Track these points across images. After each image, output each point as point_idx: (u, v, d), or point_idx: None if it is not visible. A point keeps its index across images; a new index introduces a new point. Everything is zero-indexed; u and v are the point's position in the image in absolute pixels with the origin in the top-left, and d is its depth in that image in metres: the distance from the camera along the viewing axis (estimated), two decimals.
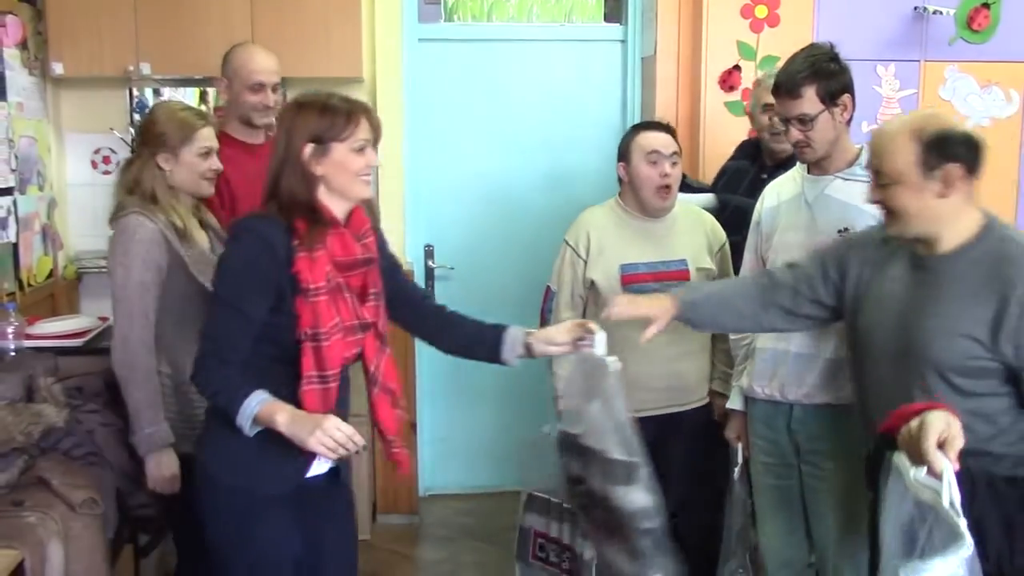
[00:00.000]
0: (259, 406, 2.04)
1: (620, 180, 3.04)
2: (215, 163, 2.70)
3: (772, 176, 2.95)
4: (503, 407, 4.55)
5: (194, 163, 2.65)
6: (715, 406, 3.02)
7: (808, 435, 2.60)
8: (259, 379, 2.10)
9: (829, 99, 2.51)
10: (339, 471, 2.32)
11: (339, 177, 2.13)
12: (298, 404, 2.08)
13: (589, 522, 2.44)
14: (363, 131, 2.16)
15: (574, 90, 4.52)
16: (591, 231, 3.01)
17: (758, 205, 2.78)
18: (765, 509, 2.73)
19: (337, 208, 2.16)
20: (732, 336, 2.82)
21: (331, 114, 2.12)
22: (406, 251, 4.39)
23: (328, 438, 2.01)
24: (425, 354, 4.48)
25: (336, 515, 2.36)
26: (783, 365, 2.59)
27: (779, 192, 2.73)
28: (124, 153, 4.01)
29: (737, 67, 4.05)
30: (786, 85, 2.53)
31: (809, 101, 2.50)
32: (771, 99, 2.87)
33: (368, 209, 2.29)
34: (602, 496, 2.26)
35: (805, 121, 2.52)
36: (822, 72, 2.51)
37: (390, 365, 2.29)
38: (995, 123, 4.16)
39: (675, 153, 2.96)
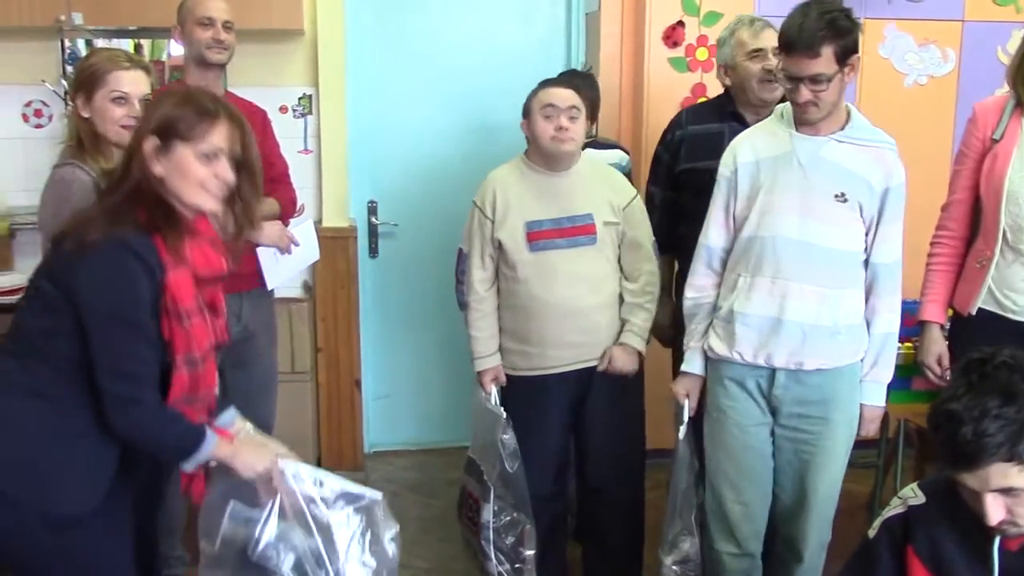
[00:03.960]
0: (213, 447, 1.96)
1: (527, 138, 3.02)
2: (134, 110, 2.52)
3: None
4: (446, 364, 4.54)
5: (105, 108, 2.50)
6: (614, 358, 2.93)
7: (791, 399, 2.55)
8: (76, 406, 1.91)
9: (843, 59, 2.39)
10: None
11: (177, 182, 1.94)
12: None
13: None
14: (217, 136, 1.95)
15: (518, 45, 4.47)
16: (496, 190, 2.97)
17: (728, 159, 2.62)
18: (730, 471, 2.65)
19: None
20: (689, 294, 2.71)
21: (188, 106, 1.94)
22: (349, 208, 4.34)
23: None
24: (369, 312, 4.47)
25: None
26: (774, 333, 2.50)
27: (756, 147, 2.57)
28: (56, 106, 3.91)
29: (681, 23, 4.05)
30: (805, 42, 2.36)
31: (826, 60, 2.37)
32: (759, 44, 2.97)
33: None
34: None
35: (819, 81, 2.37)
36: (841, 30, 2.38)
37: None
38: (932, 81, 4.23)
39: (573, 107, 2.90)
